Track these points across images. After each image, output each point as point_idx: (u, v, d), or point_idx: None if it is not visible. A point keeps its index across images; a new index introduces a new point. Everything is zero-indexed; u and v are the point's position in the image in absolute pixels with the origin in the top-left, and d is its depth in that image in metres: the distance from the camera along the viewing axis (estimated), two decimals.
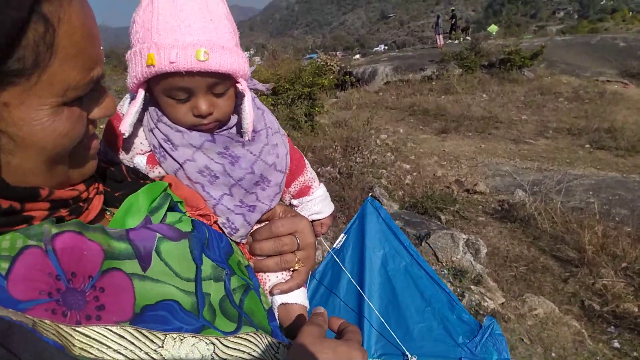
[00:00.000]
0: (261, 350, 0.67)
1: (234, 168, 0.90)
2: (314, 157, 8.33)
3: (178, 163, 0.87)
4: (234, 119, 0.93)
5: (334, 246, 3.92)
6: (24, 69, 0.48)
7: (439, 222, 5.96)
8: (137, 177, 0.82)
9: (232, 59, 0.82)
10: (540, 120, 11.95)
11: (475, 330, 3.59)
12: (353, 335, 0.74)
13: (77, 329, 0.51)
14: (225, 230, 0.91)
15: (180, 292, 0.64)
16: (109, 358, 0.51)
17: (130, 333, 0.54)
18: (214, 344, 0.61)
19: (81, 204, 0.63)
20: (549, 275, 5.12)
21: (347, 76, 18.35)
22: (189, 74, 0.78)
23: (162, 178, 0.87)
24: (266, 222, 0.98)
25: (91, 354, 0.50)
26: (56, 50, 0.50)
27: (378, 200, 6.53)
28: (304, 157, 1.18)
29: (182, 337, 0.58)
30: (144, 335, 0.55)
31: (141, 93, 0.84)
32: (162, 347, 0.56)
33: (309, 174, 1.16)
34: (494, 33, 26.74)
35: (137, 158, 0.91)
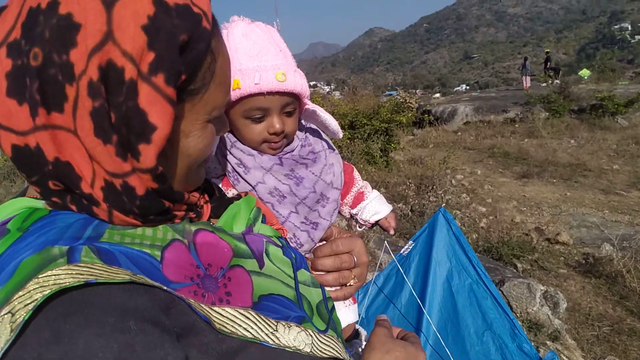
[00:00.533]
0: (342, 355, 0.74)
1: (299, 188, 1.01)
2: (387, 192, 8.30)
3: (250, 185, 0.98)
4: (295, 142, 1.05)
5: (401, 252, 3.84)
6: (195, 90, 0.60)
7: (514, 270, 5.67)
8: (221, 193, 0.92)
9: (302, 80, 0.95)
10: (633, 172, 11.06)
11: None
12: (415, 340, 0.80)
13: (213, 308, 0.60)
14: (291, 246, 0.99)
15: (287, 287, 0.73)
16: (240, 333, 0.60)
17: (253, 316, 0.63)
18: (312, 336, 0.68)
19: (198, 209, 0.73)
20: (637, 339, 4.66)
21: (426, 115, 18.19)
22: (269, 93, 0.91)
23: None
24: (324, 242, 1.07)
25: (227, 328, 0.59)
26: (214, 76, 0.62)
27: None
28: (354, 169, 1.28)
29: (289, 326, 0.66)
30: (262, 319, 0.63)
31: None
32: (277, 330, 0.64)
33: (361, 182, 1.27)
34: (586, 77, 25.48)
35: (213, 181, 1.01)
